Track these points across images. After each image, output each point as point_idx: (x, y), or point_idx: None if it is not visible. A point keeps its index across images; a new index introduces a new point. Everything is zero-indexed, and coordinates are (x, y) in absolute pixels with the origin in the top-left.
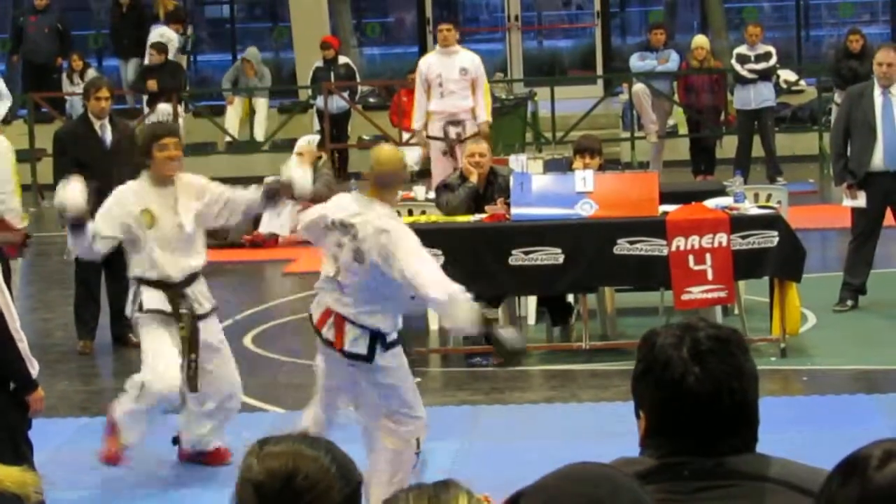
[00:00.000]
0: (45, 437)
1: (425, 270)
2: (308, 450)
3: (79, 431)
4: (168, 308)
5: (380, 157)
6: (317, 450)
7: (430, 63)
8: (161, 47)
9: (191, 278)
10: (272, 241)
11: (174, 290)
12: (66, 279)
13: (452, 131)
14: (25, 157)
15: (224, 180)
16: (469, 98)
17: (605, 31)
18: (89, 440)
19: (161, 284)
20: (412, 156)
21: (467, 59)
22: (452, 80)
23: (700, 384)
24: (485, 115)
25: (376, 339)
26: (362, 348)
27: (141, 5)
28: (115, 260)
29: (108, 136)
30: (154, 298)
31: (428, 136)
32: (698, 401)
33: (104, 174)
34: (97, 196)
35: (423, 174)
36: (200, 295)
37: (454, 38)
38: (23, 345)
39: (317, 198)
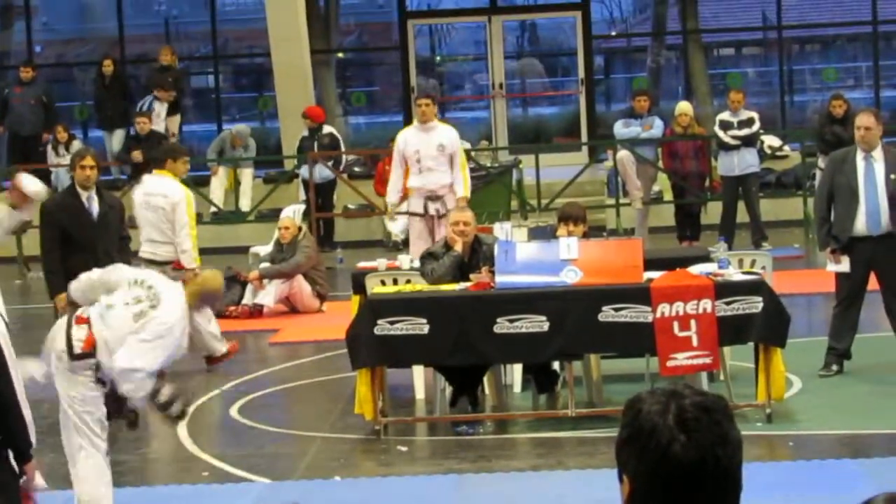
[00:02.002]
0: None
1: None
2: None
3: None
4: None
5: (206, 278)
6: None
7: (408, 139)
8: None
9: None
10: (257, 311)
11: None
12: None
13: (432, 207)
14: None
15: (209, 251)
16: (448, 173)
17: (589, 99)
18: None
19: None
20: (397, 226)
21: (445, 134)
22: (430, 156)
23: (685, 452)
24: (462, 190)
25: None
26: None
27: (124, 76)
28: None
29: (95, 208)
30: None
31: (408, 213)
32: (683, 469)
33: (91, 245)
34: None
35: (409, 243)
36: None
37: (433, 114)
38: (26, 412)
39: (298, 268)
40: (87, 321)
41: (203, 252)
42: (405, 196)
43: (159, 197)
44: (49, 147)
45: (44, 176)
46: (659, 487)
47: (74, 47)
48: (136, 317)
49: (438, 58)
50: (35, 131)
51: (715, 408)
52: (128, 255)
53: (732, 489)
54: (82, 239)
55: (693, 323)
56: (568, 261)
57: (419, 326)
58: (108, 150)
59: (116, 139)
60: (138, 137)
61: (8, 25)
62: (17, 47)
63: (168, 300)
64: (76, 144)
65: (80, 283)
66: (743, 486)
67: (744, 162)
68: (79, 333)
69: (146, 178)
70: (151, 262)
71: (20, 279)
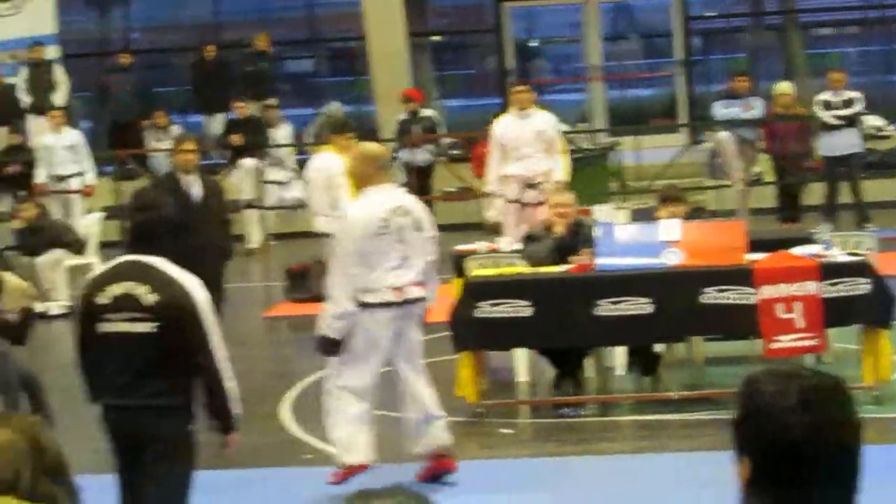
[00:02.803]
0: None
1: None
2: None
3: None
4: None
5: None
6: (419, 502)
7: (505, 126)
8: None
9: None
10: None
11: None
12: None
13: (529, 195)
14: (111, 213)
15: (305, 234)
16: (545, 161)
17: (687, 80)
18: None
19: None
20: (493, 209)
21: (542, 121)
22: (528, 143)
23: (807, 432)
24: (561, 174)
25: None
26: None
27: (224, 61)
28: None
29: (196, 192)
30: None
31: (507, 200)
32: (804, 449)
33: (192, 229)
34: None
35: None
36: None
37: (530, 101)
38: (232, 384)
39: None
40: None
41: (298, 236)
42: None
43: (323, 171)
44: (148, 132)
45: (142, 161)
46: (778, 467)
47: (171, 33)
48: None
49: (534, 42)
50: (134, 117)
51: (835, 388)
52: (229, 238)
53: (853, 471)
54: (183, 222)
55: (797, 305)
56: (669, 242)
57: (520, 309)
58: (206, 135)
59: (216, 123)
60: (237, 122)
61: (106, 13)
62: (115, 34)
63: None
64: (174, 130)
65: None
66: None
67: (846, 142)
68: None
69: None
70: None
71: None
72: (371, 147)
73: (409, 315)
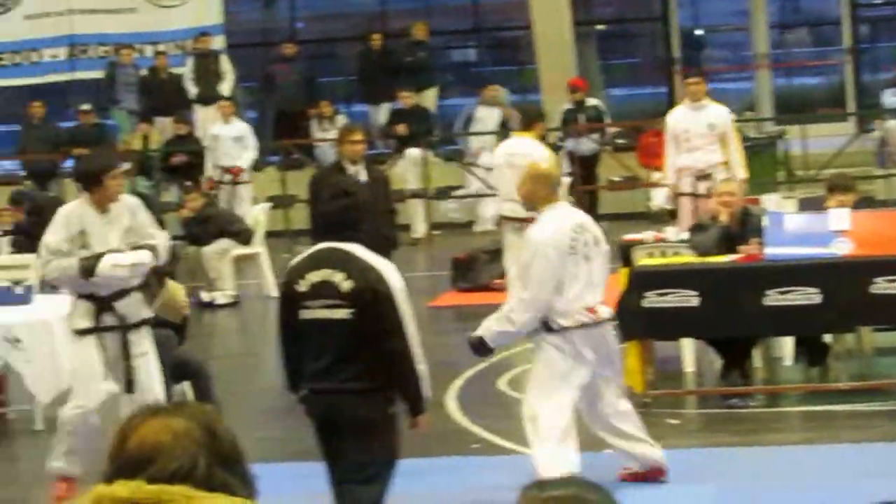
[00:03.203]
0: (301, 479)
1: None
2: (590, 494)
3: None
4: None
5: None
6: (597, 494)
7: (678, 118)
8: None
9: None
10: None
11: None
12: None
13: (701, 186)
14: (278, 203)
15: (469, 224)
16: (717, 152)
17: (855, 68)
18: None
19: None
20: (660, 196)
21: (714, 113)
22: (699, 134)
23: None
24: (741, 171)
25: None
26: None
27: (389, 51)
28: None
29: (362, 181)
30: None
31: (677, 193)
32: None
33: None
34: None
35: (675, 214)
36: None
37: (703, 93)
38: (423, 367)
39: None
40: None
41: (463, 225)
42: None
43: (522, 157)
44: (313, 122)
45: (308, 151)
46: None
47: (336, 23)
48: None
49: (699, 30)
50: (299, 107)
51: None
52: (394, 228)
53: None
54: None
55: None
56: (838, 232)
57: (688, 299)
58: (372, 125)
59: (382, 113)
60: (403, 112)
61: (271, 3)
62: (281, 24)
63: None
64: (340, 119)
65: None
66: None
67: None
68: None
69: (510, 139)
70: (512, 220)
71: (287, 253)
72: (543, 167)
73: (603, 335)
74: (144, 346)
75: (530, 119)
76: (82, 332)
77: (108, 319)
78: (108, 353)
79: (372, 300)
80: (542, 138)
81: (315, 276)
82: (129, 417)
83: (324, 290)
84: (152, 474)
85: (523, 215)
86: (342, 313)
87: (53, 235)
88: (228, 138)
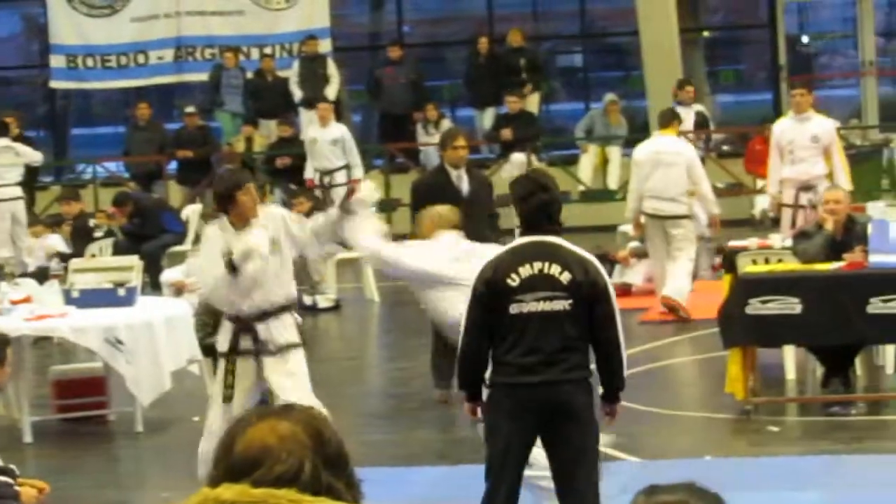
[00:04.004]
0: (406, 484)
1: None
2: (699, 500)
3: (437, 480)
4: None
5: None
6: (707, 500)
7: (783, 129)
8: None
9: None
10: (625, 290)
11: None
12: (420, 328)
13: (804, 197)
14: (382, 206)
15: (577, 229)
16: (820, 164)
17: None
18: (447, 489)
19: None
20: (763, 203)
21: (819, 126)
22: (803, 146)
23: None
24: (846, 183)
25: None
26: None
27: (498, 55)
28: None
29: (465, 186)
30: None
31: (780, 204)
32: None
33: (461, 223)
34: None
35: (778, 221)
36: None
37: (808, 104)
38: (625, 356)
39: None
40: None
41: (571, 230)
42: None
43: (672, 154)
44: (419, 126)
45: (413, 154)
46: None
47: (443, 27)
48: None
49: (806, 37)
50: (406, 110)
51: None
52: (498, 232)
53: None
54: None
55: None
56: None
57: (791, 306)
58: (477, 129)
59: (487, 118)
60: (508, 116)
61: (379, 6)
62: (388, 27)
63: None
64: (445, 123)
65: None
66: None
67: None
68: None
69: (655, 137)
70: (655, 217)
71: None
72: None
73: None
74: (283, 369)
75: (669, 117)
76: (222, 356)
77: (245, 343)
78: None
79: (590, 291)
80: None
81: (527, 270)
82: (236, 421)
83: (539, 283)
84: (258, 477)
85: (664, 213)
86: (561, 305)
87: (202, 258)
88: (326, 142)
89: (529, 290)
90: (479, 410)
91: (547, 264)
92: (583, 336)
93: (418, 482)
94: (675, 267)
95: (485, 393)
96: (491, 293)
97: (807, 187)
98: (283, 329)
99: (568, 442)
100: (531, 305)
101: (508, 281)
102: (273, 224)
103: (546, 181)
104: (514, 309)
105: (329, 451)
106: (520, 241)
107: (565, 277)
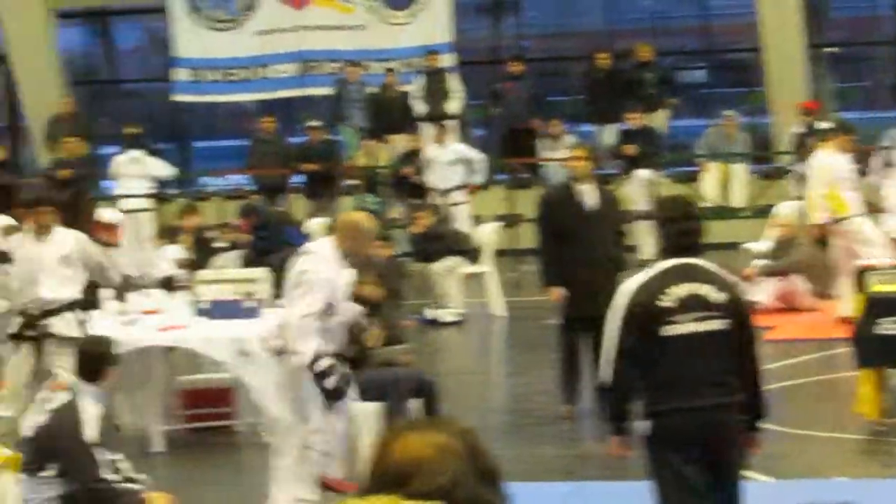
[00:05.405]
0: (533, 500)
1: None
2: None
3: (563, 497)
4: None
5: None
6: None
7: None
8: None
9: None
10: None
11: None
12: (544, 343)
13: None
14: (505, 221)
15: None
16: None
17: None
18: None
19: None
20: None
21: None
22: None
23: None
24: None
25: None
26: None
27: (619, 71)
28: (602, 328)
29: (590, 201)
30: None
31: None
32: None
33: (586, 238)
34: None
35: None
36: None
37: None
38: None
39: (795, 266)
40: None
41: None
42: None
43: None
44: (541, 141)
45: (535, 169)
46: None
47: (562, 42)
48: None
49: None
50: (526, 125)
51: None
52: (623, 249)
53: None
54: (577, 231)
55: None
56: None
57: None
58: (599, 145)
59: (608, 133)
60: (631, 132)
61: (499, 21)
62: (508, 42)
63: None
64: (568, 139)
65: None
66: None
67: None
68: None
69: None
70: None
71: (513, 272)
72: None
73: None
74: None
75: (837, 132)
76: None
77: None
78: None
79: (740, 311)
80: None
81: (681, 291)
82: (386, 432)
83: (694, 303)
84: (413, 489)
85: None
86: (718, 324)
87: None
88: (444, 162)
89: (685, 310)
90: (628, 446)
91: (699, 285)
92: (735, 356)
93: (546, 499)
94: None
95: (641, 425)
96: (643, 315)
97: None
98: None
99: (731, 467)
100: (689, 326)
101: (660, 302)
102: None
103: (693, 205)
104: (667, 330)
105: (483, 464)
106: (666, 263)
107: (717, 297)
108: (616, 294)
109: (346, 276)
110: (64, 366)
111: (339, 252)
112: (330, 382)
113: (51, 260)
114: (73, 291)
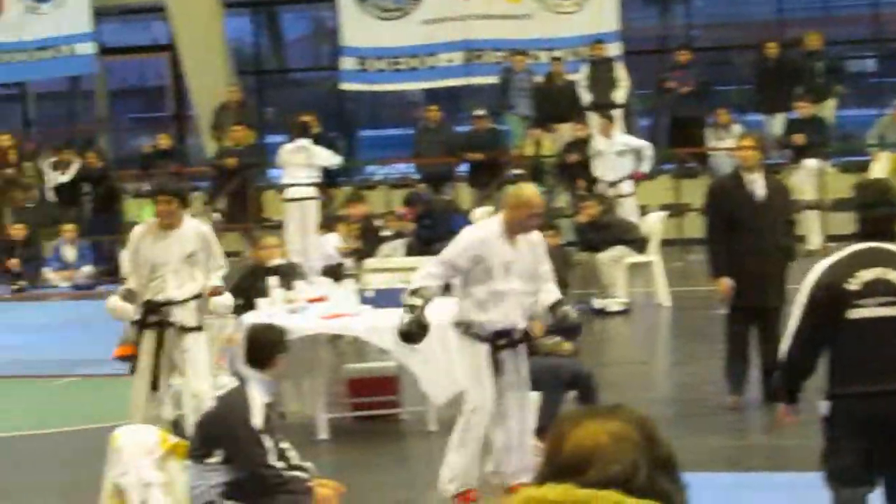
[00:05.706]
0: (699, 490)
1: None
2: None
3: (729, 487)
4: None
5: None
6: None
7: None
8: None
9: None
10: None
11: None
12: (711, 333)
13: None
14: (671, 211)
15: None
16: None
17: None
18: (740, 496)
19: None
20: None
21: None
22: None
23: None
24: None
25: None
26: None
27: (787, 60)
28: (770, 318)
29: (759, 191)
30: None
31: None
32: None
33: (755, 228)
34: (747, 251)
35: None
36: None
37: None
38: None
39: None
40: None
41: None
42: None
43: None
44: (709, 131)
45: (702, 159)
46: None
47: (732, 31)
48: None
49: None
50: (694, 115)
51: None
52: (792, 239)
53: None
54: (745, 221)
55: None
56: None
57: None
58: (767, 134)
59: (777, 123)
60: (799, 121)
61: (667, 10)
62: (676, 31)
63: None
64: (736, 128)
65: None
66: None
67: None
68: None
69: None
70: None
71: (680, 262)
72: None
73: None
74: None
75: None
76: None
77: None
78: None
79: None
80: None
81: (868, 274)
82: (563, 419)
83: (880, 288)
84: (589, 478)
85: None
86: None
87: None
88: (611, 154)
89: (871, 294)
90: (796, 414)
91: (886, 269)
92: None
93: (711, 489)
94: None
95: (822, 405)
96: (829, 297)
97: None
98: None
99: None
100: (874, 311)
101: (847, 285)
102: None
103: (890, 191)
104: (852, 314)
105: (660, 453)
106: (857, 246)
107: None
108: (806, 274)
109: (511, 253)
110: (184, 354)
111: (506, 226)
112: (404, 319)
113: (176, 260)
114: (197, 287)
